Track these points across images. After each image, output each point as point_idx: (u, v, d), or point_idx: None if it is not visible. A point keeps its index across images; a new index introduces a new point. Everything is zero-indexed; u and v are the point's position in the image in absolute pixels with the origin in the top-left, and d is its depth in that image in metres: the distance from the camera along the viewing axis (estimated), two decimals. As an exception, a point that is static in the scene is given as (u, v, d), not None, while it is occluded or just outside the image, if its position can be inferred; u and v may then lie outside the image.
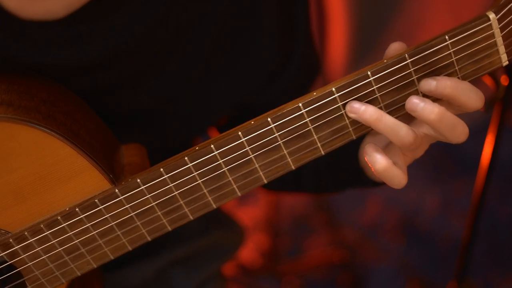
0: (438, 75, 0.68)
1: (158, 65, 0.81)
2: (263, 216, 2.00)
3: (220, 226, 1.07)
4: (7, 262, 0.74)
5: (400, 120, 0.69)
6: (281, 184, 0.91)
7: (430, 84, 0.67)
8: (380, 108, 0.69)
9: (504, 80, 1.13)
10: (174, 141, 0.91)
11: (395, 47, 0.70)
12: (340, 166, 0.88)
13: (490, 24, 0.67)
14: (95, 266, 0.76)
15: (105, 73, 0.77)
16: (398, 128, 0.68)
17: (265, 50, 0.87)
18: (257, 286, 1.91)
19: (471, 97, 0.68)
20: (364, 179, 0.85)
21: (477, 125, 1.95)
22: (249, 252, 1.94)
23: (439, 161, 2.13)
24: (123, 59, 0.77)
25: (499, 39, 0.68)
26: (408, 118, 0.71)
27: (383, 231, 2.00)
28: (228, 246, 1.08)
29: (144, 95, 0.83)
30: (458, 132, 0.68)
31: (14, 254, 0.73)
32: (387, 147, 0.74)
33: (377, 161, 0.69)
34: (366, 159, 0.71)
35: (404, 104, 0.69)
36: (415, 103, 0.67)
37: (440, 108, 0.67)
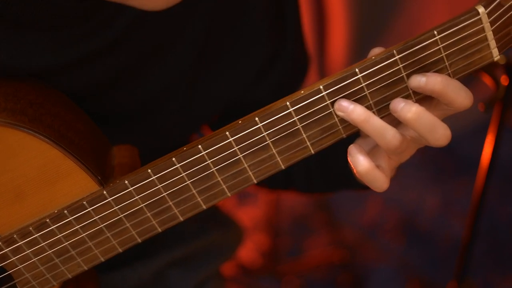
0: (428, 71, 0.67)
1: (150, 64, 0.81)
2: (263, 216, 2.00)
3: (218, 226, 1.07)
4: None
5: (388, 121, 0.68)
6: (273, 183, 0.91)
7: (419, 80, 0.66)
8: (370, 105, 0.68)
9: (504, 80, 1.12)
10: (167, 141, 0.91)
11: (375, 52, 0.69)
12: (331, 167, 0.87)
13: (480, 18, 0.65)
14: (85, 268, 0.75)
15: (95, 72, 0.77)
16: (385, 131, 0.67)
17: (256, 48, 0.87)
18: (257, 286, 1.91)
19: (460, 94, 0.67)
20: (353, 182, 0.85)
21: (477, 125, 1.95)
22: (249, 252, 1.94)
23: (439, 161, 2.13)
24: (114, 58, 0.77)
25: (489, 33, 0.66)
26: (395, 120, 0.70)
27: (383, 231, 2.00)
28: (226, 246, 1.08)
29: (135, 95, 0.83)
30: (438, 134, 0.67)
31: (4, 257, 0.73)
32: (373, 149, 0.73)
33: (359, 162, 0.68)
34: (349, 160, 0.69)
35: None
36: (397, 103, 0.66)
37: (418, 107, 0.66)
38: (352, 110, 0.67)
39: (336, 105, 0.67)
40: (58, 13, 0.70)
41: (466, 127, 2.06)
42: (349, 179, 0.85)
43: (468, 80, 0.70)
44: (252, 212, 2.04)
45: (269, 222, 1.97)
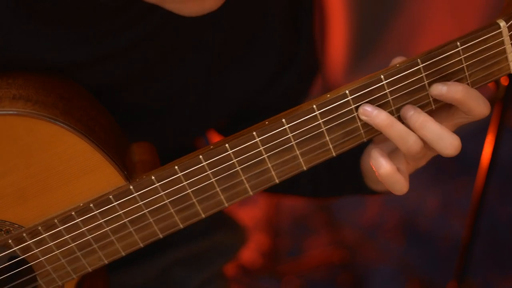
0: (449, 80, 0.70)
1: (168, 65, 0.82)
2: (263, 216, 2.01)
3: (222, 226, 1.08)
4: (20, 256, 0.74)
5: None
6: (278, 187, 0.91)
7: (441, 89, 0.69)
8: (391, 111, 0.70)
9: (504, 80, 1.13)
10: (175, 142, 0.91)
11: (397, 61, 0.71)
12: (341, 170, 0.88)
13: (501, 32, 0.69)
14: (106, 262, 0.76)
15: (117, 69, 0.78)
16: (407, 136, 0.69)
17: (270, 53, 0.88)
18: (257, 286, 1.91)
19: (479, 103, 0.69)
20: (362, 186, 0.85)
21: (477, 125, 1.95)
22: (249, 252, 1.94)
23: (439, 161, 2.13)
24: (136, 56, 0.78)
25: (508, 47, 0.70)
26: None
27: (383, 231, 2.00)
28: (230, 246, 1.08)
29: (151, 94, 0.84)
30: (445, 143, 0.69)
31: (26, 249, 0.74)
32: (393, 153, 0.75)
33: (382, 165, 0.70)
34: (371, 163, 0.72)
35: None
36: (407, 110, 0.70)
37: (426, 117, 0.69)
38: (376, 115, 0.69)
39: (360, 110, 0.70)
40: (89, 9, 0.71)
41: (466, 127, 2.06)
42: (357, 183, 0.86)
43: (477, 86, 0.73)
44: (252, 212, 2.04)
45: (269, 222, 1.97)
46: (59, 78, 0.74)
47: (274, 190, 1.02)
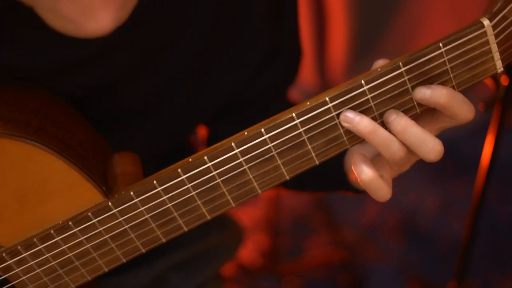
0: (432, 83, 0.68)
1: (153, 63, 0.81)
2: (263, 216, 2.00)
3: (218, 227, 1.07)
4: (1, 276, 0.73)
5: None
6: None
7: (424, 93, 0.67)
8: (375, 117, 0.68)
9: (504, 80, 1.12)
10: (166, 141, 0.91)
11: (380, 64, 0.70)
12: (324, 168, 0.88)
13: (485, 31, 0.66)
14: (89, 278, 0.75)
15: (98, 72, 0.77)
16: (390, 143, 0.68)
17: (256, 44, 0.87)
18: (257, 286, 1.91)
19: (464, 107, 0.67)
20: (346, 185, 0.85)
21: (477, 125, 1.95)
22: (249, 252, 1.94)
23: (439, 161, 2.13)
24: (116, 57, 0.77)
25: (493, 46, 0.67)
26: None
27: (383, 231, 2.00)
28: (226, 247, 1.08)
29: (139, 94, 0.83)
30: (428, 148, 0.67)
31: (7, 268, 0.73)
32: (375, 158, 0.74)
33: (363, 171, 0.69)
34: (352, 168, 0.70)
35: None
36: (389, 115, 0.68)
37: (407, 120, 0.67)
38: (358, 122, 0.67)
39: (342, 116, 0.68)
40: None
41: (466, 127, 2.06)
42: (341, 181, 0.85)
43: (463, 87, 0.70)
44: (252, 212, 2.04)
45: (269, 222, 1.97)
46: (36, 91, 0.73)
47: None
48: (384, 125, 0.69)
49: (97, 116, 0.78)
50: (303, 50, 0.98)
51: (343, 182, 0.85)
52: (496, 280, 1.84)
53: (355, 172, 0.70)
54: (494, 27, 0.66)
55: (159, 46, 0.80)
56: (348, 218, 2.04)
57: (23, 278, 0.74)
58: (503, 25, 0.67)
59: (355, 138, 0.70)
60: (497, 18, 0.66)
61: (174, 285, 1.00)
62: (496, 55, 0.68)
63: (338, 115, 0.68)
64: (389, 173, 0.73)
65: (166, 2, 0.76)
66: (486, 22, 0.66)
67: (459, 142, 2.09)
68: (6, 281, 0.75)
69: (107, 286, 0.94)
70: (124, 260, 0.74)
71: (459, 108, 0.67)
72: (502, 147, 1.27)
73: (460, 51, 0.67)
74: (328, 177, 0.88)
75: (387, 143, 0.68)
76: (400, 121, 0.67)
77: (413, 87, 0.67)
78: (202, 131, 1.05)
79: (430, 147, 0.67)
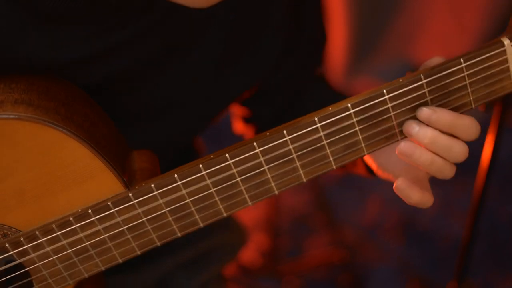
0: (451, 97, 0.70)
1: (171, 60, 0.81)
2: (263, 216, 2.00)
3: (221, 227, 1.07)
4: (16, 260, 0.74)
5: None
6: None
7: (412, 128, 0.70)
8: (393, 126, 0.71)
9: (504, 80, 1.12)
10: (181, 140, 0.91)
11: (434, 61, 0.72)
12: None
13: (504, 50, 0.69)
14: (103, 268, 0.76)
15: (121, 64, 0.78)
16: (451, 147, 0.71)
17: (276, 39, 0.88)
18: (257, 286, 1.91)
19: (469, 132, 0.71)
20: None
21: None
22: (249, 252, 1.94)
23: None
24: (140, 50, 0.78)
25: None
26: None
27: (383, 231, 2.00)
28: (229, 247, 1.08)
29: (159, 89, 0.83)
30: (455, 153, 0.71)
31: (23, 253, 0.74)
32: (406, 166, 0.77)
33: (411, 196, 0.73)
34: (397, 193, 0.74)
35: None
36: (410, 127, 0.70)
37: (433, 132, 0.69)
38: (437, 117, 0.70)
39: (419, 111, 0.70)
40: (90, 4, 0.71)
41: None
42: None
43: (480, 103, 0.73)
44: (252, 212, 2.04)
45: (269, 222, 1.97)
46: (62, 83, 0.74)
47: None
48: (401, 135, 0.72)
49: (115, 110, 0.79)
50: (327, 35, 0.99)
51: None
52: (496, 280, 1.84)
53: (402, 197, 0.73)
54: None
55: (180, 41, 0.80)
56: (348, 218, 2.04)
57: (38, 264, 0.74)
58: None
59: (373, 145, 0.72)
60: None
61: (177, 285, 1.00)
62: None
63: (358, 121, 0.70)
64: (426, 181, 0.76)
65: None
66: (506, 41, 0.69)
67: (459, 142, 2.08)
68: (21, 266, 0.75)
69: (111, 286, 0.94)
70: (139, 252, 0.75)
71: (463, 133, 0.71)
72: (502, 147, 1.27)
73: (480, 67, 0.69)
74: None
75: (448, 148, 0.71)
76: (427, 134, 0.70)
77: (433, 100, 0.70)
78: (237, 111, 1.04)
79: (457, 151, 0.71)
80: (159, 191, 0.71)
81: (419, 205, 0.73)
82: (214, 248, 1.04)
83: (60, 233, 0.73)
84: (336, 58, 2.16)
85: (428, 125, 0.70)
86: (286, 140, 0.70)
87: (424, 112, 0.69)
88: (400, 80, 0.69)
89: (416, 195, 0.72)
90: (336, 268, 1.91)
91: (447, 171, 0.73)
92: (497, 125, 1.20)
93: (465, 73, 0.69)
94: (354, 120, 0.70)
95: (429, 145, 0.70)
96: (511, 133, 1.73)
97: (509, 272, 1.85)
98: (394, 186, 0.73)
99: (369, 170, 0.89)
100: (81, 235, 0.73)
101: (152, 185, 0.71)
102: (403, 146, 0.70)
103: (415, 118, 0.71)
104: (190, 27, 0.79)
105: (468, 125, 0.70)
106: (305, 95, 0.98)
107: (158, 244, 0.75)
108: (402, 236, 1.98)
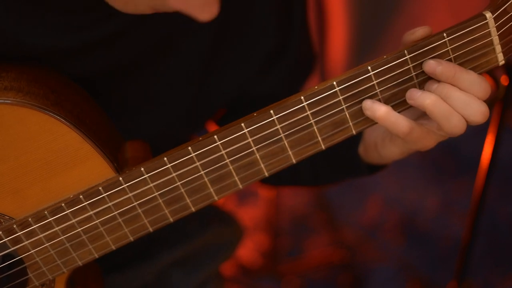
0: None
1: (157, 55, 0.81)
2: (263, 216, 2.00)
3: (218, 223, 1.08)
4: (10, 248, 0.74)
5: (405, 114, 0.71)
6: (279, 177, 0.92)
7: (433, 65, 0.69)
8: (379, 101, 0.71)
9: (504, 80, 1.13)
10: (171, 135, 0.91)
11: (422, 31, 0.71)
12: (337, 153, 0.89)
13: (487, 23, 0.69)
14: (96, 256, 0.76)
15: (110, 56, 0.78)
16: (451, 116, 0.70)
17: (262, 42, 0.88)
18: (257, 286, 1.91)
19: (474, 89, 0.70)
20: (361, 166, 0.86)
21: (477, 125, 1.95)
22: (249, 252, 1.94)
23: (439, 161, 2.13)
24: (129, 44, 0.78)
25: (495, 38, 0.70)
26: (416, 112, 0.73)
27: (383, 231, 2.00)
28: (227, 244, 1.08)
29: (142, 86, 0.84)
30: (454, 122, 0.70)
31: (17, 241, 0.74)
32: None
33: (377, 108, 0.70)
34: (366, 113, 0.71)
35: (403, 100, 0.71)
36: (414, 92, 0.70)
37: (435, 96, 0.69)
38: (441, 71, 0.69)
39: (424, 63, 0.69)
40: None
41: (466, 127, 2.06)
42: (356, 164, 0.87)
43: None
44: (252, 212, 2.04)
45: (269, 222, 1.97)
46: (52, 72, 0.75)
47: (277, 182, 1.03)
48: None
49: (103, 104, 0.78)
50: (316, 53, 0.99)
51: (358, 165, 0.87)
52: (496, 280, 1.84)
53: (369, 114, 0.71)
54: (496, 19, 0.69)
55: (167, 37, 0.80)
56: (348, 218, 2.04)
57: (32, 251, 0.75)
58: (504, 19, 0.69)
59: (360, 124, 0.72)
60: (499, 11, 0.69)
61: (176, 281, 1.00)
62: (498, 48, 0.71)
63: (344, 99, 0.70)
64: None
65: None
66: (488, 14, 0.69)
67: (459, 142, 2.08)
68: (15, 254, 0.75)
69: (110, 283, 0.94)
70: (131, 238, 0.75)
71: (444, 121, 0.70)
72: (502, 147, 1.27)
73: (463, 41, 0.69)
74: (343, 161, 0.89)
75: (448, 115, 0.70)
76: (430, 96, 0.69)
77: (418, 75, 0.70)
78: (212, 128, 1.05)
79: (455, 121, 0.70)
80: (149, 175, 0.71)
81: (388, 123, 0.71)
82: (211, 244, 1.05)
83: (53, 220, 0.73)
84: (336, 58, 2.16)
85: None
86: (273, 119, 0.70)
87: (430, 64, 0.69)
88: (384, 56, 0.69)
89: (382, 108, 0.70)
90: (336, 268, 1.91)
91: (456, 123, 0.71)
92: (497, 125, 1.20)
93: (449, 48, 0.70)
94: (340, 98, 0.70)
95: (430, 107, 0.69)
96: (511, 133, 1.74)
97: (509, 272, 1.85)
98: (377, 115, 0.71)
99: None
100: (73, 221, 0.73)
101: (142, 169, 0.71)
102: (412, 89, 0.69)
103: (401, 93, 0.71)
104: (177, 25, 0.79)
105: (472, 80, 0.69)
106: None
107: (151, 229, 0.75)
108: (402, 236, 1.98)
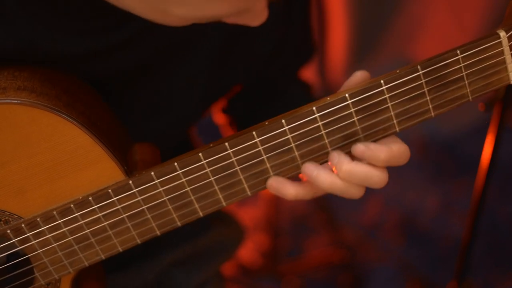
0: (448, 88, 0.71)
1: (174, 58, 0.82)
2: (263, 216, 2.00)
3: (220, 223, 1.08)
4: (17, 247, 0.74)
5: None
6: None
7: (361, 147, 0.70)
8: (391, 117, 0.71)
9: (504, 80, 1.12)
10: (175, 136, 0.92)
11: (359, 75, 0.72)
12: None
13: (500, 42, 0.70)
14: (103, 257, 0.76)
15: (122, 61, 0.79)
16: (350, 188, 0.71)
17: (266, 35, 0.89)
18: (257, 286, 1.91)
19: (400, 161, 0.71)
20: None
21: (477, 125, 1.95)
22: (249, 252, 1.94)
23: (439, 161, 2.13)
24: (131, 50, 0.78)
25: (508, 57, 0.71)
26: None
27: (383, 231, 2.00)
28: (228, 244, 1.09)
29: (156, 89, 0.84)
30: (373, 180, 0.70)
31: (25, 240, 0.74)
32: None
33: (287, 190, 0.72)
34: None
35: (413, 115, 0.72)
36: (332, 156, 0.71)
37: (349, 164, 0.70)
38: (317, 175, 0.71)
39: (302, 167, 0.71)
40: (92, 3, 0.72)
41: (466, 127, 2.06)
42: None
43: (476, 95, 0.73)
44: (252, 212, 2.04)
45: (269, 222, 1.97)
46: (64, 73, 0.75)
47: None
48: (399, 126, 0.72)
49: (117, 103, 0.79)
50: (315, 43, 1.01)
51: None
52: (496, 280, 1.84)
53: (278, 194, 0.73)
54: (510, 38, 0.70)
55: (178, 41, 0.81)
56: (348, 218, 2.04)
57: (39, 251, 0.75)
58: None
59: (370, 136, 0.72)
60: None
61: (177, 281, 1.01)
62: (510, 66, 0.71)
63: (356, 112, 0.70)
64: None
65: None
66: (502, 33, 0.70)
67: (459, 142, 2.08)
68: (22, 253, 0.75)
69: (111, 282, 0.94)
70: (139, 241, 0.76)
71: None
72: (502, 147, 1.27)
73: (476, 59, 0.70)
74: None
75: (347, 189, 0.71)
76: (342, 167, 0.70)
77: (430, 91, 0.71)
78: (219, 119, 1.07)
79: (375, 180, 0.70)
80: (159, 180, 0.72)
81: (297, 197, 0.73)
82: (213, 244, 1.05)
83: (61, 221, 0.73)
84: (336, 58, 2.16)
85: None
86: (285, 129, 0.71)
87: (358, 148, 0.70)
88: (398, 71, 0.69)
89: (291, 190, 0.72)
90: (336, 268, 1.91)
91: (352, 193, 0.72)
92: (497, 125, 1.20)
93: (462, 65, 0.70)
94: (352, 110, 0.70)
95: (347, 178, 0.70)
96: (511, 133, 1.73)
97: (509, 272, 1.85)
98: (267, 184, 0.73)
99: None
100: (82, 222, 0.73)
101: (152, 173, 0.71)
102: (307, 164, 0.71)
103: (413, 108, 0.71)
104: (186, 30, 0.80)
105: (400, 155, 0.70)
106: (283, 95, 0.99)
107: (158, 233, 0.75)
108: (402, 236, 1.98)
